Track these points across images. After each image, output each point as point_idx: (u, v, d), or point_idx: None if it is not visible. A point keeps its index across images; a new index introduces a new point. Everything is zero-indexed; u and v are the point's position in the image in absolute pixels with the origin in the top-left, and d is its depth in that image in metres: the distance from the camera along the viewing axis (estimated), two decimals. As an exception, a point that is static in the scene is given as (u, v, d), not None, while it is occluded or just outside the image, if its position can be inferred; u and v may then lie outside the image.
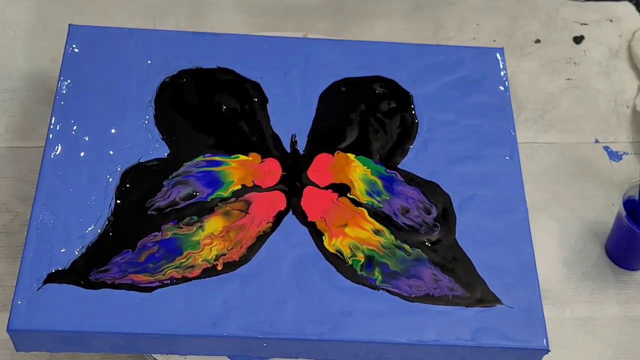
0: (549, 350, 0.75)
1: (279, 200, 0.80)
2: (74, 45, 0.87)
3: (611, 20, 1.07)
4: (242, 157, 0.83)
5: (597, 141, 0.97)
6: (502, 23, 1.06)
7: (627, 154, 0.96)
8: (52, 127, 0.82)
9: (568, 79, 1.02)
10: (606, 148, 0.97)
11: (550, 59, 1.03)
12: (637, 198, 0.85)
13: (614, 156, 0.96)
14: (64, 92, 0.84)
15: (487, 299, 0.77)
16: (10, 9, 1.03)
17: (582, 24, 1.06)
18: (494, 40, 1.04)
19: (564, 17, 1.07)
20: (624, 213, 0.83)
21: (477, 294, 0.77)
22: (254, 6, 1.06)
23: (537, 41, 1.05)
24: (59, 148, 0.81)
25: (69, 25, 0.88)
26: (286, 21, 1.04)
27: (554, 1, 1.08)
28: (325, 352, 0.76)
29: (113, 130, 0.82)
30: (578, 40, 1.05)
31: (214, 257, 0.77)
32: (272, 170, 0.82)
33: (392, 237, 0.79)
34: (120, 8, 1.04)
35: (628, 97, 1.01)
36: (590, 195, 0.93)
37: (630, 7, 1.08)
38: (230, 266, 0.76)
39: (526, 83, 1.01)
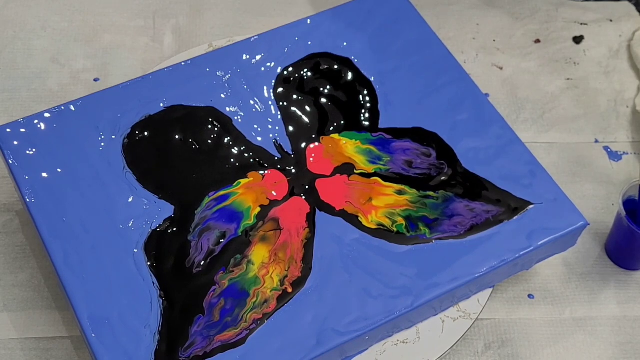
0: (588, 224, 0.81)
1: (301, 205, 0.80)
2: (10, 152, 0.80)
3: (611, 20, 1.07)
4: (243, 181, 0.81)
5: (597, 141, 0.97)
6: (502, 23, 1.06)
7: (627, 154, 0.96)
8: (46, 241, 0.76)
9: (568, 79, 1.02)
10: (606, 148, 0.97)
11: (550, 59, 1.03)
12: (637, 198, 0.85)
13: (614, 156, 0.96)
14: (34, 201, 0.78)
15: (520, 205, 0.81)
16: (10, 9, 1.03)
17: (582, 24, 1.06)
18: (494, 40, 1.04)
19: (564, 17, 1.07)
20: (623, 213, 0.83)
21: (510, 204, 0.81)
22: (254, 6, 1.06)
23: (537, 41, 1.05)
24: (67, 257, 0.75)
25: None
26: (287, 19, 1.04)
27: (554, 1, 1.08)
28: (410, 320, 0.77)
29: (107, 214, 0.78)
30: (578, 40, 1.05)
31: (279, 283, 0.76)
32: (277, 180, 0.82)
33: (415, 191, 0.81)
34: (120, 8, 1.04)
35: (628, 97, 1.00)
36: (590, 195, 0.93)
37: (630, 7, 1.08)
38: (298, 284, 0.76)
39: (526, 83, 1.01)
